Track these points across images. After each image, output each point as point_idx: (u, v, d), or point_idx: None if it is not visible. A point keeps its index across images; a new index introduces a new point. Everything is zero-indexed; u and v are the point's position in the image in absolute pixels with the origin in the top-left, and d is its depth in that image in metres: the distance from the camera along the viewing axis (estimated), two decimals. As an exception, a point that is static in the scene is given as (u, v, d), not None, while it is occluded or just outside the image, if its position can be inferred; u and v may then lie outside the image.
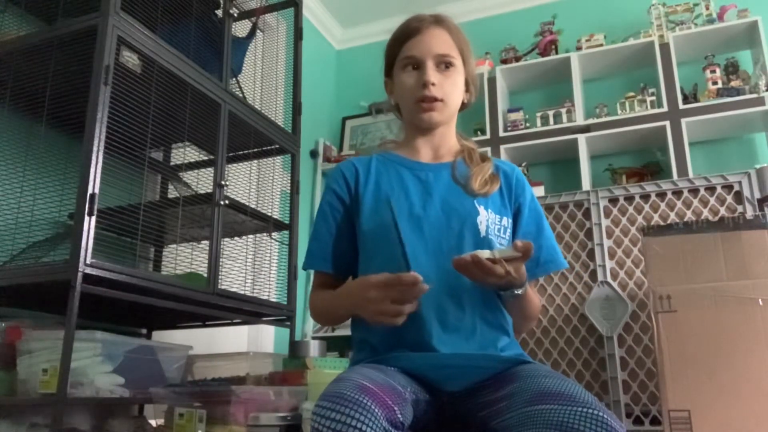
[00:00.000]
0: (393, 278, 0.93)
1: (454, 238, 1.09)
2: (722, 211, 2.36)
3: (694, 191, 2.44)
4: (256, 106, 2.41)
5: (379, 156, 1.23)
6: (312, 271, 1.21)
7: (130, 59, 1.79)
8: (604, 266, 2.48)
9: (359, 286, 1.01)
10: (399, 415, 0.81)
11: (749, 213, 2.28)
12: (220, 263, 2.05)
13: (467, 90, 1.22)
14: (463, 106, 1.23)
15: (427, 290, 0.93)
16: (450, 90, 1.16)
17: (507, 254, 0.96)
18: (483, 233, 1.09)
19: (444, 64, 1.15)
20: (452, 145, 1.23)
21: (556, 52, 3.48)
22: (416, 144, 1.22)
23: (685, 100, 3.08)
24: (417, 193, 1.14)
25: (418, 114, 1.17)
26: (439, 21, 1.18)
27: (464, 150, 1.23)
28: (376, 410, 0.78)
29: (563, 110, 3.32)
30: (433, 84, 1.13)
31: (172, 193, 2.39)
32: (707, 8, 3.20)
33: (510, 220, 1.16)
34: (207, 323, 2.40)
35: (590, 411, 0.80)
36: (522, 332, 1.20)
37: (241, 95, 2.35)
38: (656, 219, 2.46)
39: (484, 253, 0.95)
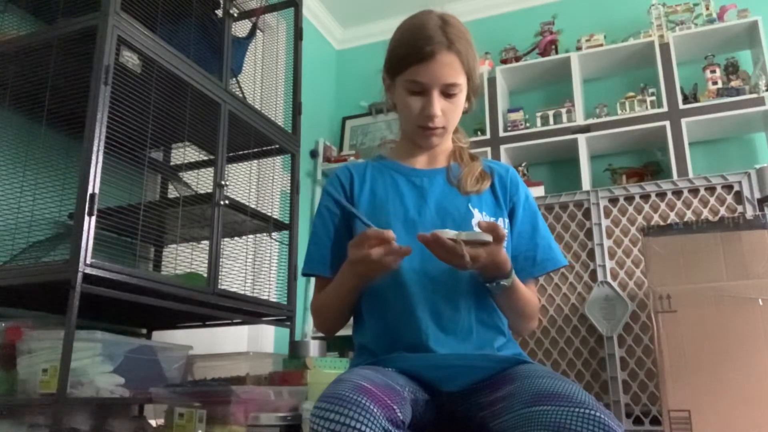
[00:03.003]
0: (361, 235, 0.99)
1: None
2: (722, 211, 2.36)
3: (694, 191, 2.43)
4: (256, 106, 2.41)
5: (375, 162, 1.24)
6: (312, 278, 1.22)
7: (130, 59, 1.79)
8: (604, 266, 2.47)
9: (345, 262, 1.06)
10: (399, 414, 0.81)
11: (749, 213, 2.28)
12: (220, 263, 2.06)
13: (468, 99, 1.18)
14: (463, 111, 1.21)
15: (394, 242, 0.96)
16: (453, 115, 1.15)
17: (474, 237, 0.93)
18: None
19: (450, 91, 1.11)
20: (446, 147, 1.24)
21: (556, 52, 3.48)
22: (412, 150, 1.22)
23: (685, 100, 3.08)
24: (412, 199, 1.15)
25: (418, 137, 1.17)
26: (450, 44, 1.08)
27: (456, 150, 1.23)
28: (375, 410, 0.78)
29: (563, 110, 3.32)
30: (437, 116, 1.11)
31: (172, 193, 2.39)
32: (707, 8, 3.20)
33: (506, 221, 1.17)
34: (207, 323, 2.40)
35: (587, 411, 0.80)
36: (521, 333, 1.19)
37: (241, 95, 2.35)
38: (656, 219, 2.45)
39: (448, 233, 0.93)
